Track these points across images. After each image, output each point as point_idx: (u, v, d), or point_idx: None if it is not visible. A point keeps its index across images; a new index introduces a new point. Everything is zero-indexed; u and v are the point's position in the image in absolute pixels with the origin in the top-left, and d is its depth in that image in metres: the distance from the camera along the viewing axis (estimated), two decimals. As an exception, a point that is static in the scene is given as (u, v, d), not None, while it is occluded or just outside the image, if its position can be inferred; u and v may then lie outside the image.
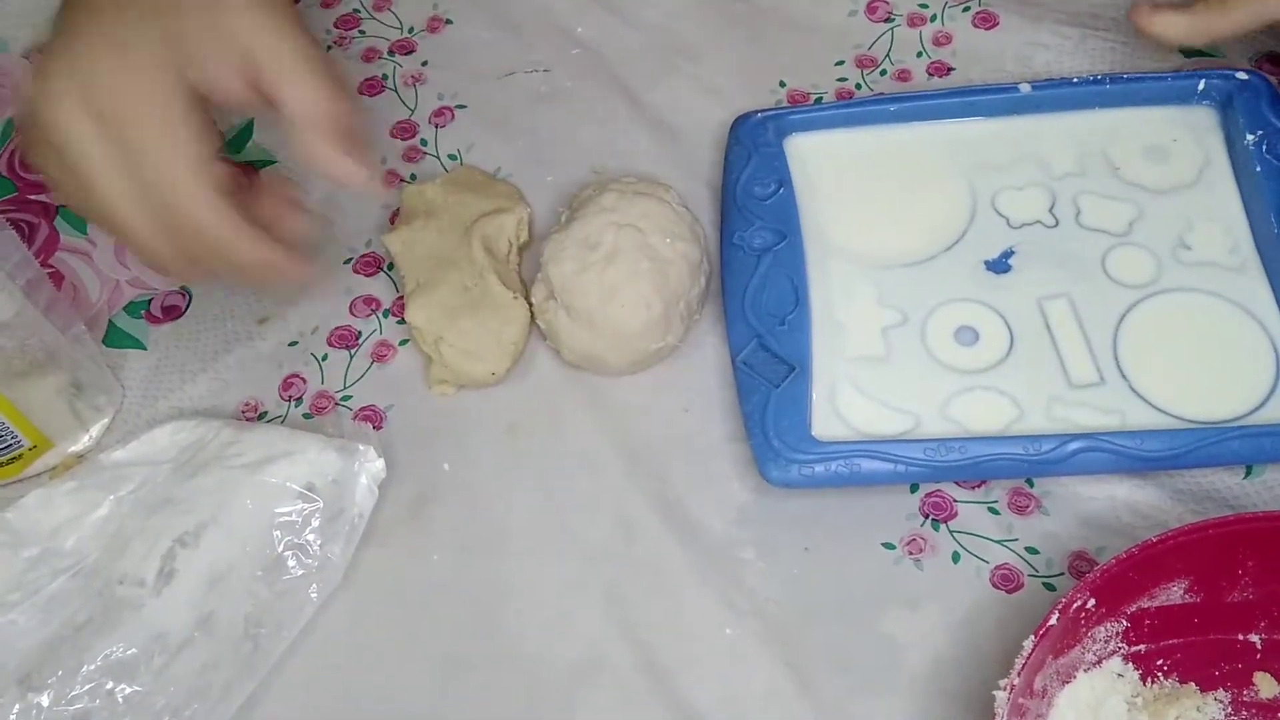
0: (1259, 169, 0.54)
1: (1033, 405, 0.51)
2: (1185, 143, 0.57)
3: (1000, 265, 0.55)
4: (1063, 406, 0.51)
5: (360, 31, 0.67)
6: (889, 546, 0.50)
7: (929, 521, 0.50)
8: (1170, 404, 0.50)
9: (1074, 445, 0.48)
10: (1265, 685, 0.45)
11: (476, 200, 0.57)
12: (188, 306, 0.58)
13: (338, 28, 0.67)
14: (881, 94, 0.61)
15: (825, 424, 0.51)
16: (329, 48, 0.66)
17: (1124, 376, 0.51)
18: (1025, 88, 0.58)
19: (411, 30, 0.67)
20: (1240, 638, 0.45)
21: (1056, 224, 0.56)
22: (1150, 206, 0.56)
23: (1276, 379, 0.51)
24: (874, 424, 0.51)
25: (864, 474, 0.49)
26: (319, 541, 0.48)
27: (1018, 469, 0.49)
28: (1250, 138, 0.55)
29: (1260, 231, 0.54)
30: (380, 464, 0.50)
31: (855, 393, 0.52)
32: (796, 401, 0.50)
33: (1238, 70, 0.57)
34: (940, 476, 0.49)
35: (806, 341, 0.52)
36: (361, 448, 0.50)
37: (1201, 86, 0.57)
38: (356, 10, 0.68)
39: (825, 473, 0.49)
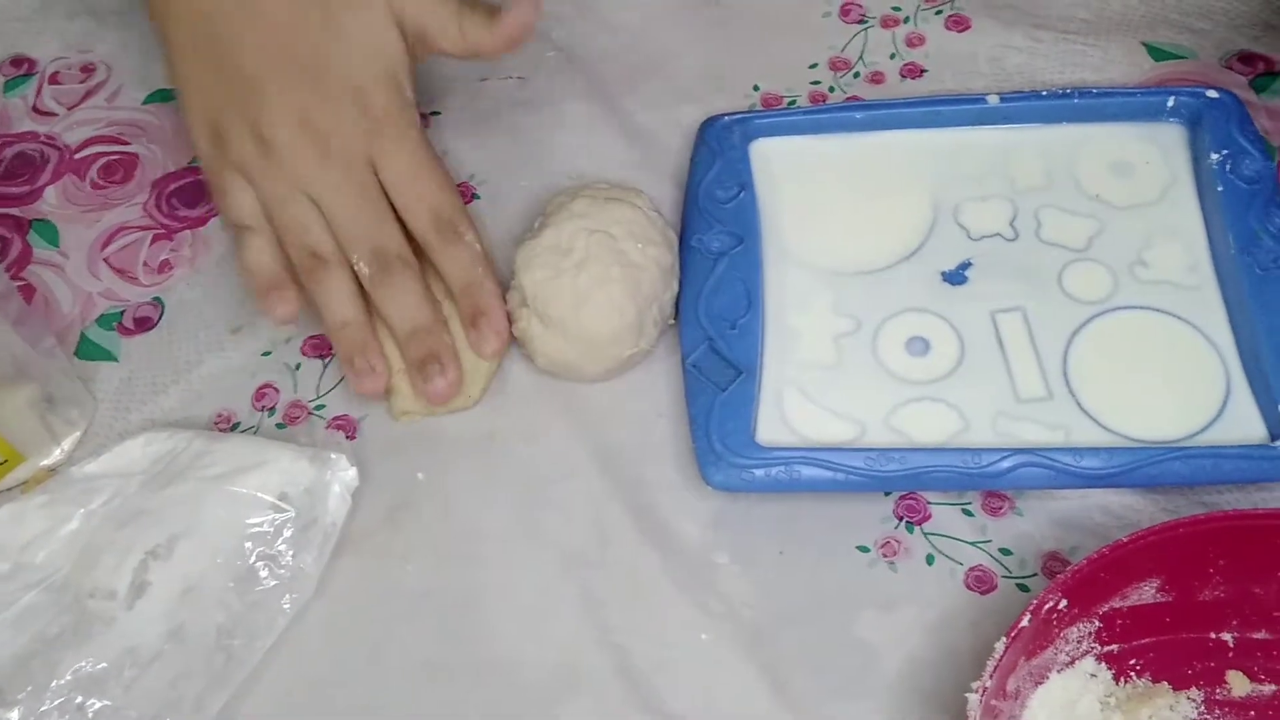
0: (1221, 188, 0.54)
1: (978, 418, 0.51)
2: (1152, 160, 0.57)
3: (957, 277, 0.55)
4: (1008, 421, 0.51)
5: (334, 39, 0.67)
6: (863, 549, 0.50)
7: (903, 524, 0.50)
8: (1116, 422, 0.50)
9: (1012, 460, 0.48)
10: (1238, 683, 0.45)
11: None
12: (160, 318, 0.58)
13: (311, 36, 0.67)
14: (849, 101, 0.61)
15: (770, 429, 0.51)
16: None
17: (1071, 393, 0.51)
18: (993, 99, 0.58)
19: (385, 37, 0.66)
20: (1213, 636, 0.46)
21: (1016, 237, 0.56)
22: (1112, 222, 0.56)
23: (1225, 401, 0.50)
24: (819, 431, 0.51)
25: (803, 480, 0.49)
26: (291, 551, 0.48)
27: (956, 481, 0.49)
28: (1215, 156, 0.55)
29: (1219, 252, 0.54)
30: (353, 472, 0.50)
31: (803, 399, 0.52)
32: (742, 405, 0.51)
33: (1208, 88, 0.57)
34: (879, 486, 0.49)
35: (756, 346, 0.52)
36: (334, 456, 0.50)
37: (1171, 103, 0.57)
38: (330, 18, 0.67)
39: (765, 478, 0.49)
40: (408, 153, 0.53)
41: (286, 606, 0.48)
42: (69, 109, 0.65)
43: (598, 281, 0.52)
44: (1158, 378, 0.51)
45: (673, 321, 0.55)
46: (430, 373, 0.53)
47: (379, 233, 0.53)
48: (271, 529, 0.48)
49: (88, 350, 0.57)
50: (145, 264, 0.59)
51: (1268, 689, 0.45)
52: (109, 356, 0.57)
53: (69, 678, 0.45)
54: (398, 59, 0.54)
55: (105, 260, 0.60)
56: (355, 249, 0.53)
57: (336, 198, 0.52)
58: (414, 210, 0.53)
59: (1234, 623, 0.45)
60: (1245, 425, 0.50)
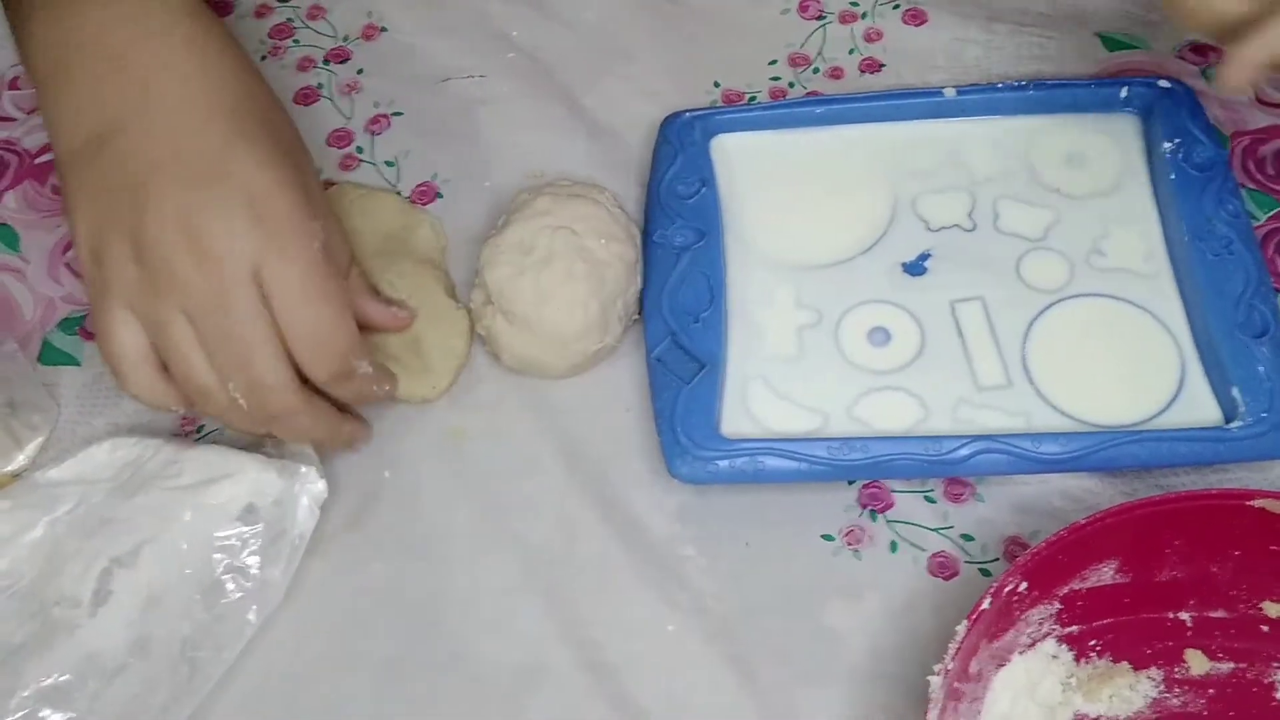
0: (1174, 177, 0.55)
1: (939, 406, 0.51)
2: (1106, 149, 0.58)
3: (916, 268, 0.55)
4: (969, 408, 0.51)
5: (295, 41, 0.67)
6: (828, 538, 0.50)
7: (867, 512, 0.51)
8: (1074, 408, 0.51)
9: (973, 447, 0.49)
10: (1196, 662, 0.46)
11: (371, 221, 0.57)
12: (123, 321, 0.57)
13: (272, 37, 0.67)
14: (809, 96, 0.62)
15: (734, 421, 0.51)
16: (262, 58, 0.65)
17: (1030, 380, 0.52)
18: (950, 92, 0.59)
19: (346, 39, 0.67)
20: (1171, 616, 0.46)
21: (974, 228, 0.56)
22: (1068, 212, 0.56)
23: (1180, 385, 0.51)
24: (782, 422, 0.51)
25: (767, 471, 0.49)
26: (259, 564, 0.48)
27: (918, 469, 0.49)
28: (1168, 145, 0.56)
29: (1173, 239, 0.55)
30: (322, 485, 0.50)
31: (766, 391, 0.52)
32: (706, 398, 0.51)
33: (1160, 78, 0.58)
34: (841, 475, 0.50)
35: (719, 339, 0.53)
36: (304, 469, 0.50)
37: (1124, 94, 0.58)
38: (290, 19, 0.67)
39: (729, 469, 0.49)
40: (300, 273, 0.47)
41: (252, 618, 0.48)
42: (28, 114, 0.65)
43: (561, 278, 0.53)
44: (1114, 363, 0.52)
45: (637, 317, 0.55)
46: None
47: (255, 363, 0.47)
48: (239, 542, 0.48)
49: (50, 355, 0.57)
50: (107, 268, 0.59)
51: (1226, 667, 0.46)
52: (72, 361, 0.57)
53: (31, 690, 0.44)
54: (310, 167, 0.51)
55: (66, 265, 0.59)
56: (229, 378, 0.47)
57: (209, 317, 0.46)
58: (300, 344, 0.47)
59: (1192, 602, 0.46)
60: (1200, 408, 0.51)
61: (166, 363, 0.48)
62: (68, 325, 0.58)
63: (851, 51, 0.64)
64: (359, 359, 0.49)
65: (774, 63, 0.64)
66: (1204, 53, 0.62)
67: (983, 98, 0.59)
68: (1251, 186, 0.57)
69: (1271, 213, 0.57)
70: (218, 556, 0.48)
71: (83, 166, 0.48)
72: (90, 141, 0.48)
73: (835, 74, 0.63)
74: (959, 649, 0.42)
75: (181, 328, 0.47)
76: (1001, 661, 0.45)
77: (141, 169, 0.47)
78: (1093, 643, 0.46)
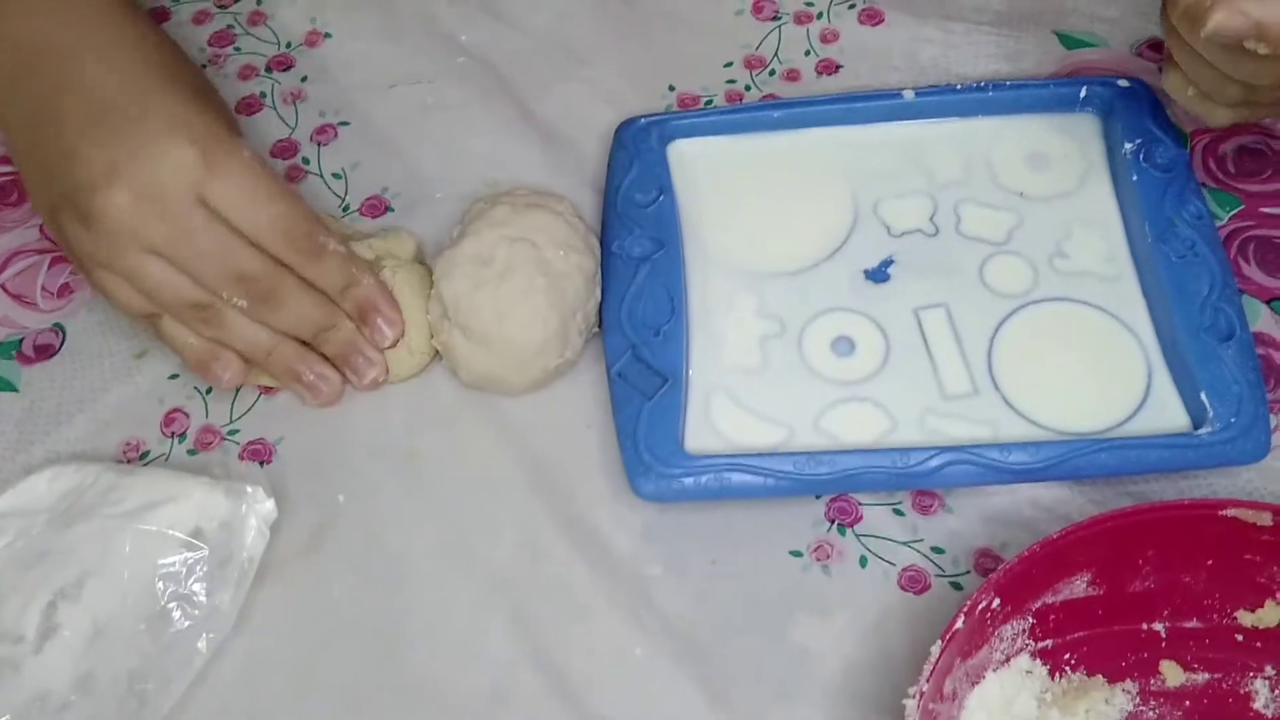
0: (1136, 177, 0.55)
1: (906, 417, 0.51)
2: (1067, 150, 0.57)
3: (879, 274, 0.54)
4: (935, 418, 0.51)
5: (236, 48, 0.65)
6: (796, 554, 0.49)
7: (835, 527, 0.50)
8: (1042, 415, 0.50)
9: (941, 458, 0.48)
10: (1171, 674, 0.46)
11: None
12: (62, 344, 0.55)
13: (212, 45, 0.65)
14: (766, 99, 0.61)
15: (698, 436, 0.50)
16: (203, 67, 0.63)
17: (997, 388, 0.51)
18: (909, 94, 0.58)
19: (289, 45, 0.65)
20: (1145, 627, 0.46)
21: (936, 232, 0.55)
22: (1030, 214, 0.56)
23: (1147, 391, 0.51)
24: (747, 436, 0.50)
25: (733, 487, 0.48)
26: (206, 590, 0.46)
27: (886, 482, 0.49)
28: (1129, 145, 0.55)
29: (1136, 241, 0.54)
30: (270, 505, 0.48)
31: (730, 403, 0.51)
32: (669, 413, 0.50)
33: (1119, 78, 0.57)
34: (809, 490, 0.49)
35: (681, 352, 0.52)
36: (250, 489, 0.48)
37: (1083, 94, 0.58)
38: (231, 26, 0.65)
39: (694, 486, 0.48)
40: (239, 176, 0.49)
41: (202, 647, 0.46)
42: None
43: (521, 292, 0.51)
44: (1081, 369, 0.52)
45: (596, 330, 0.54)
46: (359, 367, 0.53)
47: (234, 262, 0.49)
48: (184, 568, 0.46)
49: (-15, 382, 0.55)
50: (44, 289, 0.57)
51: (1201, 678, 0.46)
52: (9, 387, 0.54)
53: (-27, 733, 0.43)
54: (227, 110, 0.55)
55: (1, 286, 0.57)
56: (221, 288, 0.49)
57: (175, 247, 0.48)
58: (264, 236, 0.50)
59: (1165, 613, 0.46)
60: (1168, 414, 0.50)
61: (157, 302, 0.50)
62: (4, 349, 0.55)
63: (808, 53, 0.63)
64: (325, 237, 0.51)
65: (729, 65, 0.63)
66: (1162, 49, 0.61)
67: (942, 99, 0.58)
68: (1213, 185, 0.57)
69: (1233, 212, 0.56)
70: (161, 585, 0.46)
71: (25, 137, 0.51)
72: (32, 110, 0.50)
73: (791, 76, 0.62)
74: (933, 670, 0.41)
75: (153, 262, 0.49)
76: (975, 679, 0.44)
77: (66, 134, 0.49)
78: (1067, 657, 0.45)
